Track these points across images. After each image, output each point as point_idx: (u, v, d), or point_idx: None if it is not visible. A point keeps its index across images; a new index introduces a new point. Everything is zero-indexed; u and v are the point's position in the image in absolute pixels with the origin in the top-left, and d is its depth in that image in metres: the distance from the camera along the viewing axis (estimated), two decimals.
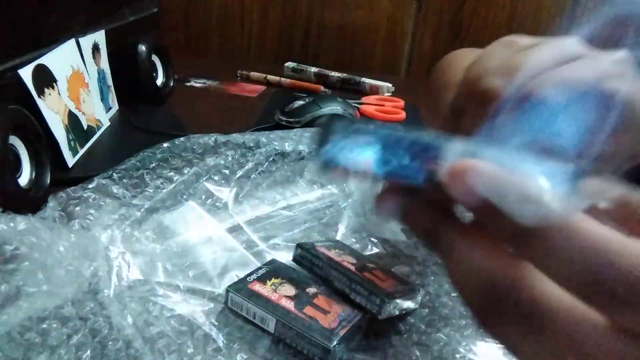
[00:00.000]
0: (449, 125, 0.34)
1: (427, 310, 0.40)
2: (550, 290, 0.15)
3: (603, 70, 0.27)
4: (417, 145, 0.17)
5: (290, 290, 0.37)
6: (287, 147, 0.59)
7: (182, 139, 0.59)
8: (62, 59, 0.57)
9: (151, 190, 0.50)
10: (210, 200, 0.51)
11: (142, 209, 0.47)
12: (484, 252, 0.17)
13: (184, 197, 0.51)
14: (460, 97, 0.32)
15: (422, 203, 0.19)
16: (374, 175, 0.17)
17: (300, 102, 0.73)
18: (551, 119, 0.24)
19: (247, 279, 0.38)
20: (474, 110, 0.29)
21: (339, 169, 0.17)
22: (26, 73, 0.49)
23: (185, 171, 0.54)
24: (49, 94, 0.53)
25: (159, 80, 0.79)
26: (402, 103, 0.88)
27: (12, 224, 0.34)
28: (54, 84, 0.54)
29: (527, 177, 0.15)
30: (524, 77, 0.27)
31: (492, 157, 0.16)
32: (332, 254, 0.41)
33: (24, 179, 0.47)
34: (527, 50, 0.29)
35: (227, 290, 0.36)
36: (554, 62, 0.28)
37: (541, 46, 0.29)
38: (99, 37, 0.67)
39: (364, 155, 0.17)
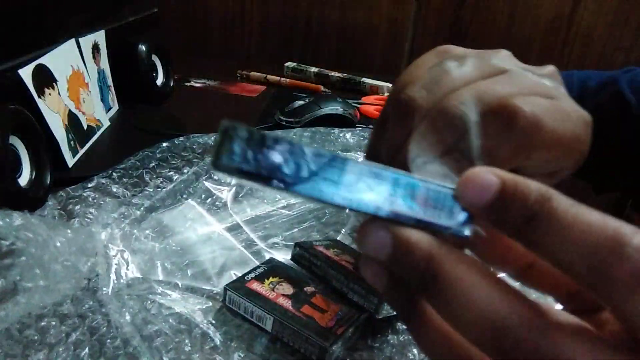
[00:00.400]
0: (375, 133, 0.34)
1: None
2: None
3: (520, 86, 0.27)
4: (322, 157, 0.17)
5: (288, 289, 0.37)
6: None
7: (181, 138, 0.60)
8: (62, 59, 0.57)
9: (151, 190, 0.51)
10: (209, 199, 0.52)
11: (142, 208, 0.48)
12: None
13: (184, 196, 0.51)
14: (386, 105, 0.32)
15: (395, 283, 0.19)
16: (274, 186, 0.17)
17: (300, 102, 0.73)
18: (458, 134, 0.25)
19: (245, 277, 0.38)
20: (394, 120, 0.30)
21: (237, 175, 0.16)
22: (26, 73, 0.49)
23: (185, 170, 0.54)
24: (49, 94, 0.53)
25: (159, 80, 0.79)
26: None
27: (8, 220, 0.34)
28: (54, 84, 0.55)
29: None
30: (445, 89, 0.28)
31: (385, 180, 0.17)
32: (331, 253, 0.41)
33: (24, 179, 0.47)
34: (454, 62, 0.29)
35: (225, 289, 0.37)
36: (477, 75, 0.28)
37: (469, 58, 0.29)
38: (99, 37, 0.67)
39: (264, 166, 0.16)
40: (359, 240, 0.18)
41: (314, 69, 0.99)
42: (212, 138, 0.61)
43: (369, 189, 0.17)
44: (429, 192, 0.18)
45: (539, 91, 0.28)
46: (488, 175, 0.17)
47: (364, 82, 0.95)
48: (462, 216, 0.18)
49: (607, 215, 0.15)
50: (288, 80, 0.95)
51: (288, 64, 1.01)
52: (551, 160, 0.29)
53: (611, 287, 0.15)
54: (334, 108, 0.73)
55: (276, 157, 0.16)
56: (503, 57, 0.30)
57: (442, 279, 0.17)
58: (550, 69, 0.31)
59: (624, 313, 0.15)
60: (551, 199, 0.16)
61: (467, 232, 0.18)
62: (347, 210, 0.18)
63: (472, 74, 0.28)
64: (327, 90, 0.92)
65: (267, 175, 0.16)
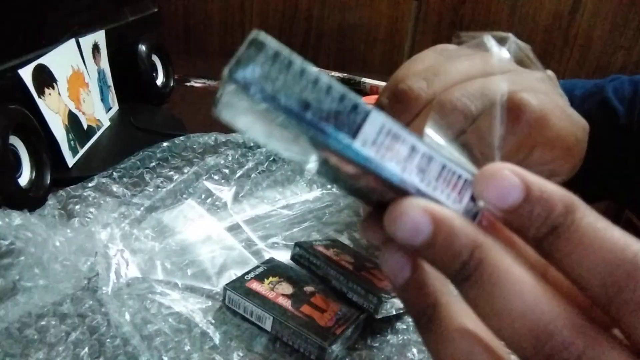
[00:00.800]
0: None
1: None
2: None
3: (522, 85, 0.27)
4: (347, 101, 0.15)
5: (287, 288, 0.37)
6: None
7: (182, 138, 0.60)
8: (62, 59, 0.57)
9: (151, 189, 0.51)
10: (210, 199, 0.52)
11: (142, 208, 0.48)
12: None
13: (184, 196, 0.51)
14: (383, 95, 0.31)
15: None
16: (287, 119, 0.15)
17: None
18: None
19: (245, 277, 0.38)
20: (390, 111, 0.29)
21: (249, 101, 0.15)
22: (26, 73, 0.49)
23: (185, 170, 0.54)
24: (49, 94, 0.53)
25: (159, 80, 0.79)
26: None
27: (7, 219, 0.34)
28: (54, 84, 0.55)
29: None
30: (444, 82, 0.28)
31: (413, 144, 0.16)
32: (330, 253, 0.41)
33: (24, 179, 0.47)
34: (455, 59, 0.29)
35: (225, 289, 0.37)
36: (479, 72, 0.28)
37: (470, 56, 0.29)
38: (99, 37, 0.67)
39: (283, 92, 0.15)
40: (388, 221, 0.16)
41: None
42: (213, 138, 0.61)
43: (386, 149, 0.16)
44: (444, 168, 0.16)
45: (542, 91, 0.28)
46: (512, 177, 0.16)
47: (364, 82, 0.95)
48: (471, 202, 0.17)
49: (629, 235, 0.15)
50: None
51: None
52: (550, 161, 0.29)
53: (624, 310, 0.14)
54: None
55: (297, 85, 0.15)
56: (502, 58, 0.30)
57: (489, 269, 0.15)
58: (549, 73, 0.31)
59: (634, 337, 0.15)
60: (576, 211, 0.15)
61: (473, 213, 0.17)
62: (351, 169, 0.16)
63: (473, 70, 0.28)
64: None
65: (281, 102, 0.15)
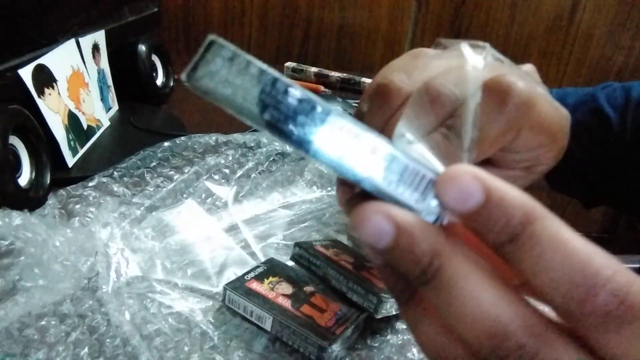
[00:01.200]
0: None
1: None
2: None
3: (505, 72, 0.27)
4: (306, 103, 0.15)
5: (287, 288, 0.37)
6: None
7: (183, 138, 0.60)
8: (62, 59, 0.57)
9: (151, 189, 0.51)
10: (210, 199, 0.52)
11: (142, 208, 0.48)
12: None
13: (184, 195, 0.51)
14: (363, 101, 0.32)
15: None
16: (245, 119, 0.15)
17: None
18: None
19: (245, 277, 0.38)
20: (372, 106, 0.29)
21: (210, 97, 0.15)
22: (26, 73, 0.49)
23: (186, 170, 0.54)
24: (49, 94, 0.53)
25: (159, 80, 0.79)
26: None
27: (7, 219, 0.34)
28: (54, 84, 0.55)
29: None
30: (425, 75, 0.28)
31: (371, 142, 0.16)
32: (330, 253, 0.41)
33: (24, 179, 0.47)
34: (433, 58, 0.30)
35: (225, 289, 0.37)
36: (459, 65, 0.28)
37: (448, 52, 0.29)
38: (99, 37, 0.67)
39: (241, 94, 0.15)
40: (353, 224, 0.16)
41: (313, 69, 0.99)
42: (214, 138, 0.61)
43: (346, 148, 0.16)
44: (407, 169, 0.16)
45: (526, 79, 0.28)
46: (472, 181, 0.15)
47: (364, 82, 0.95)
48: (434, 202, 0.17)
49: (593, 246, 0.15)
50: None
51: (288, 64, 1.01)
52: (536, 146, 0.29)
53: (585, 324, 0.14)
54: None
55: (255, 87, 0.15)
56: (479, 58, 0.30)
57: (447, 276, 0.16)
58: (529, 67, 0.31)
59: (594, 348, 0.15)
60: (536, 221, 0.15)
61: (434, 218, 0.17)
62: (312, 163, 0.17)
63: (454, 63, 0.28)
64: (327, 90, 0.92)
65: (239, 103, 0.15)
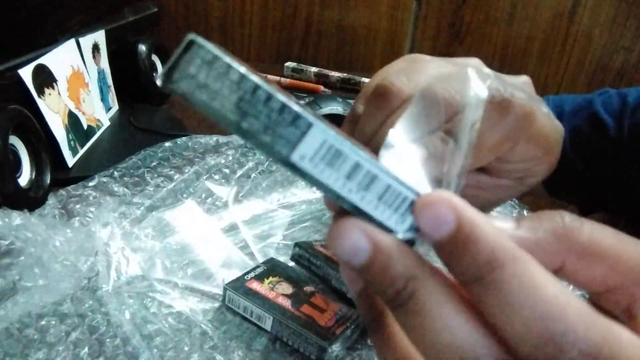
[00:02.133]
0: (345, 130, 0.33)
1: None
2: None
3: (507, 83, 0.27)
4: (287, 114, 0.15)
5: (287, 288, 0.37)
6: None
7: (184, 138, 0.60)
8: (62, 59, 0.57)
9: (151, 189, 0.51)
10: (210, 199, 0.52)
11: (142, 207, 0.48)
12: None
13: (184, 195, 0.51)
14: (358, 102, 0.31)
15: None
16: (223, 125, 0.14)
17: (300, 102, 0.73)
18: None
19: (245, 277, 0.38)
20: (369, 107, 0.29)
21: (187, 101, 0.14)
22: (26, 73, 0.50)
23: (186, 170, 0.54)
24: (49, 94, 0.53)
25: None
26: None
27: (7, 219, 0.34)
28: (54, 84, 0.55)
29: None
30: (425, 79, 0.28)
31: (354, 157, 0.15)
32: (330, 253, 0.41)
33: (24, 179, 0.47)
34: (431, 61, 0.30)
35: (225, 288, 0.37)
36: (457, 72, 0.28)
37: (445, 60, 0.29)
38: (99, 37, 0.67)
39: (219, 100, 0.14)
40: (330, 240, 0.16)
41: (313, 69, 0.99)
42: (214, 139, 0.61)
43: (326, 165, 0.15)
44: (388, 189, 0.16)
45: (526, 91, 0.28)
46: (447, 210, 0.15)
47: (364, 82, 0.95)
48: (413, 224, 0.16)
49: (566, 292, 0.14)
50: (288, 80, 0.95)
51: (288, 64, 1.01)
52: (531, 158, 0.29)
53: None
54: (334, 108, 0.73)
55: (234, 94, 0.14)
56: (477, 64, 0.30)
57: (420, 301, 0.15)
58: (525, 78, 0.31)
59: None
60: (504, 265, 0.14)
61: (411, 241, 0.16)
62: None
63: (453, 68, 0.28)
64: (327, 90, 0.92)
65: (217, 109, 0.14)
